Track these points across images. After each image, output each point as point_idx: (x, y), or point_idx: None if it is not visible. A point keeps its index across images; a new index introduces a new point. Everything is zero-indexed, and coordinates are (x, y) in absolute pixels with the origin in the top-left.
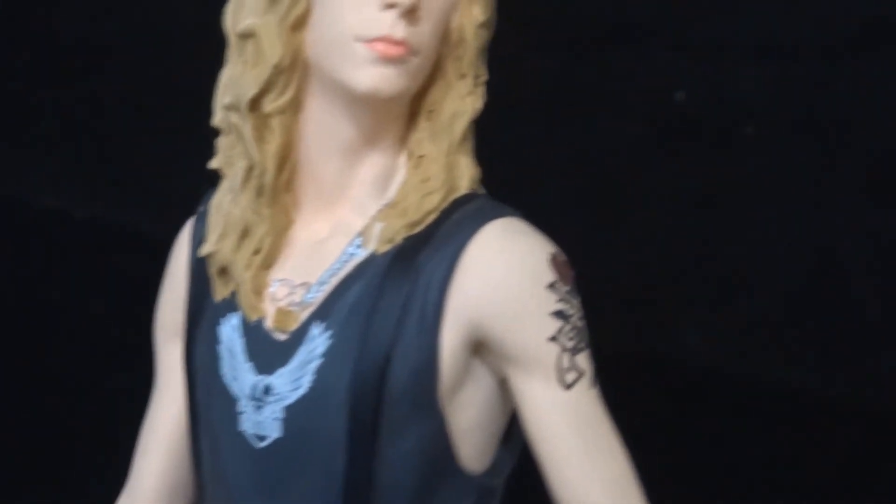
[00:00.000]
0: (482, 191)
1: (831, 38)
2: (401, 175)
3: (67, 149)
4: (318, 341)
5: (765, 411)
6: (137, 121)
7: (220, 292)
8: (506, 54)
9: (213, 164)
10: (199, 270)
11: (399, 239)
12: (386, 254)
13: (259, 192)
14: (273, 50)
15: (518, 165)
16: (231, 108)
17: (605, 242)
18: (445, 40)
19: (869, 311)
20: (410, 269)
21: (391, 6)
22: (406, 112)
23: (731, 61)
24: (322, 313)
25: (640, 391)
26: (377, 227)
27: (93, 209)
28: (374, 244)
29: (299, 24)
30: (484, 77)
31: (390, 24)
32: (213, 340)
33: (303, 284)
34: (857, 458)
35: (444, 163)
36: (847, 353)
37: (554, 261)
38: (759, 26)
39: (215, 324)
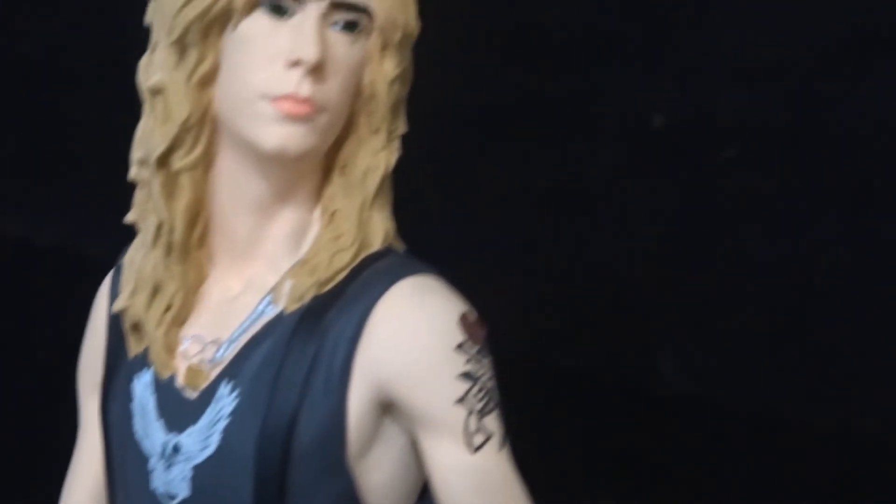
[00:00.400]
0: (401, 245)
1: (812, 58)
2: (315, 230)
3: (29, 174)
4: (226, 401)
5: (744, 440)
6: (101, 146)
7: (133, 348)
8: (479, 75)
9: (129, 218)
10: (116, 325)
11: (308, 297)
12: (295, 312)
13: (168, 249)
14: (180, 107)
15: (493, 187)
16: (142, 163)
17: (581, 265)
18: (358, 95)
19: (853, 336)
20: (318, 328)
21: (296, 64)
22: (320, 167)
23: (711, 82)
24: (231, 372)
25: (613, 418)
26: (287, 285)
27: (56, 237)
28: (284, 302)
29: (207, 80)
30: (401, 130)
31: (296, 82)
32: (127, 397)
33: (214, 341)
34: (840, 486)
35: (356, 219)
36: (831, 380)
37: (464, 320)
38: (739, 47)
39: (129, 380)
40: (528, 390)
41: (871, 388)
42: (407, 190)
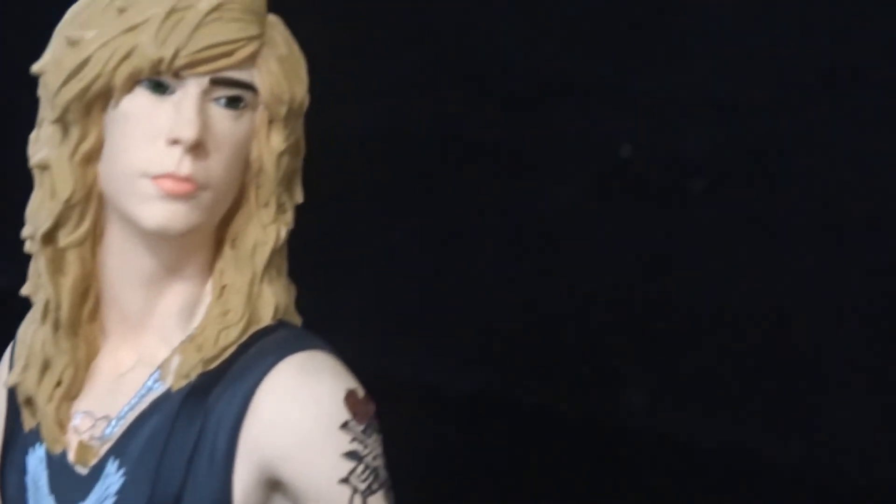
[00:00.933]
0: (297, 317)
1: (780, 93)
2: (207, 304)
3: None
4: (114, 479)
5: (712, 476)
6: None
7: (27, 422)
8: (447, 112)
9: (24, 291)
10: (13, 398)
11: (194, 375)
12: (181, 390)
13: (56, 325)
14: (65, 184)
15: (462, 223)
16: (31, 238)
17: (549, 300)
18: (247, 169)
19: (822, 373)
20: (203, 407)
21: (175, 143)
22: (211, 239)
23: (677, 116)
24: (118, 450)
25: (581, 455)
26: (174, 362)
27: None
28: (171, 380)
29: (91, 157)
30: (296, 201)
31: (176, 160)
32: (22, 470)
33: (104, 417)
34: None
35: (246, 294)
36: (800, 416)
37: (349, 398)
38: (704, 80)
39: (24, 453)
40: (491, 427)
41: (838, 426)
42: (385, 216)
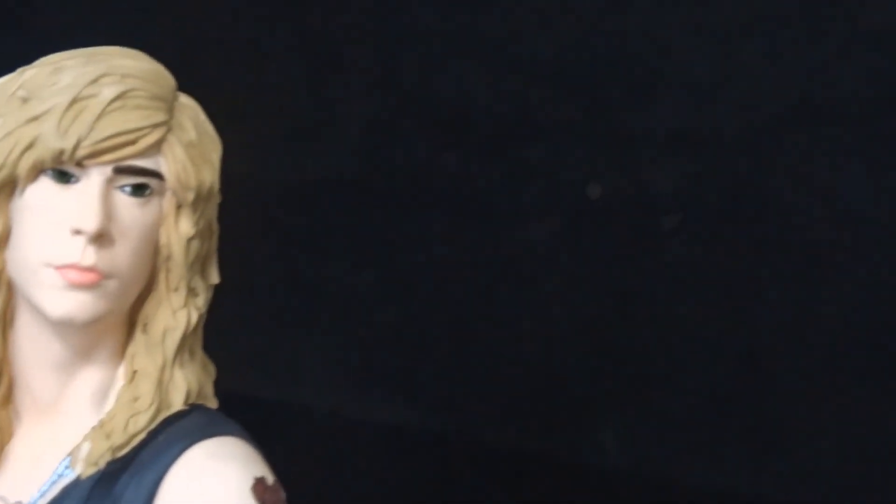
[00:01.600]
0: (213, 400)
1: (747, 127)
2: (119, 387)
3: None
4: None
5: None
6: None
7: None
8: (417, 153)
9: None
10: None
11: (103, 463)
12: (91, 477)
13: None
14: None
15: (432, 264)
16: None
17: (518, 338)
18: (157, 253)
19: (796, 410)
20: (111, 495)
21: (78, 233)
22: (124, 324)
23: (646, 152)
24: None
25: (553, 495)
26: (84, 449)
27: None
28: (80, 467)
29: None
30: (209, 283)
31: (80, 250)
32: None
33: (17, 503)
34: None
35: (156, 379)
36: (773, 452)
37: (257, 487)
38: (673, 115)
39: None
40: (463, 469)
41: (816, 463)
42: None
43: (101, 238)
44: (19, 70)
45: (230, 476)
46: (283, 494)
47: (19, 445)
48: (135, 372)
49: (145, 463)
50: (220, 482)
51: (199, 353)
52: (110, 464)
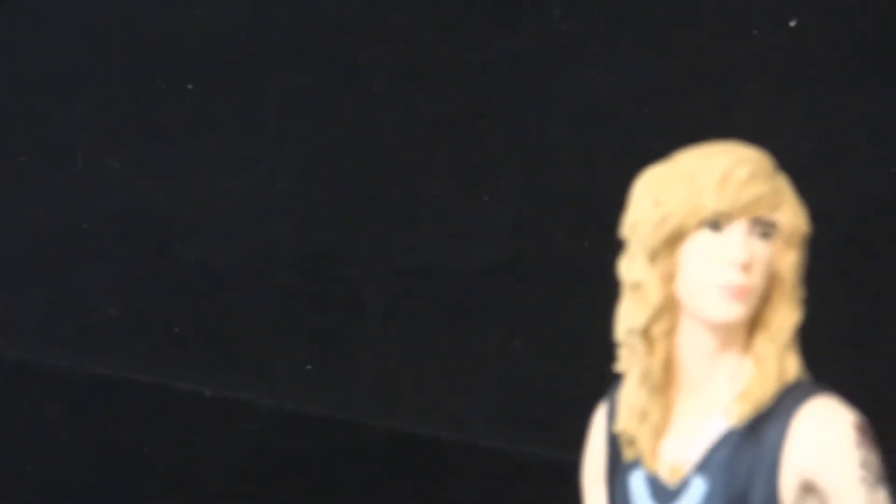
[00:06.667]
0: (807, 376)
1: None
2: (746, 371)
3: None
4: (699, 489)
5: None
6: None
7: (628, 455)
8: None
9: (619, 368)
10: (614, 440)
11: (748, 417)
12: (741, 427)
13: (650, 389)
14: (654, 295)
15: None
16: (629, 333)
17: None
18: (772, 277)
19: None
20: (756, 437)
21: (733, 263)
22: (746, 325)
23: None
24: (701, 469)
25: None
26: (734, 409)
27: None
28: (734, 420)
29: (671, 277)
30: (802, 295)
31: (734, 275)
32: (626, 487)
33: (685, 449)
34: None
35: (776, 359)
36: None
37: (858, 426)
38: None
39: (627, 476)
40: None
41: None
42: None
43: (746, 267)
44: (671, 157)
45: (840, 419)
46: (872, 432)
47: (679, 411)
48: (761, 357)
49: (778, 414)
50: (834, 423)
51: (797, 345)
52: (752, 420)
